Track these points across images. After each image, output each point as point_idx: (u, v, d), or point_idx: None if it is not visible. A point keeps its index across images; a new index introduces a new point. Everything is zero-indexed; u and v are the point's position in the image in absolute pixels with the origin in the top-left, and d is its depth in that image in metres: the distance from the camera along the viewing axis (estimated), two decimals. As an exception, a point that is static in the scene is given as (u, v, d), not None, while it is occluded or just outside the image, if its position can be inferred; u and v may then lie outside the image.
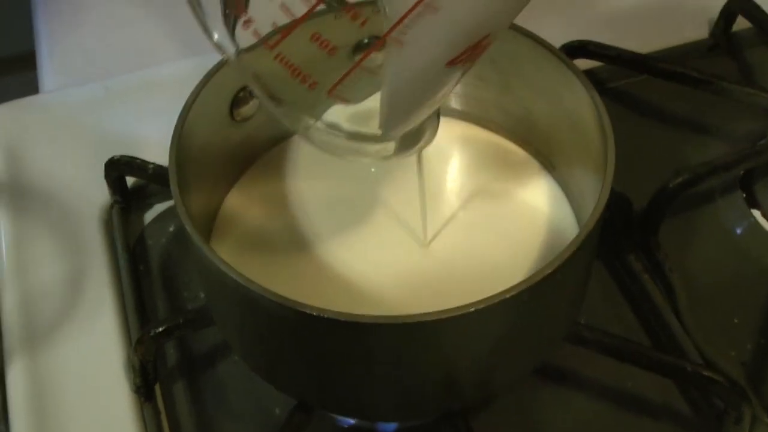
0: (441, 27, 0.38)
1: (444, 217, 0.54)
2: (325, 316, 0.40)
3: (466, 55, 0.40)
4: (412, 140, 0.46)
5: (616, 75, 0.66)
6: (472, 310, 0.40)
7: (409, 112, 0.43)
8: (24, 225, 0.60)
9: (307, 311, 0.40)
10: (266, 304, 0.41)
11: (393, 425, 0.51)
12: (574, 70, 0.49)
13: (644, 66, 0.64)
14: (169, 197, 0.60)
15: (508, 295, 0.40)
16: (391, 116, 0.43)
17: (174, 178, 0.45)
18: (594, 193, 0.46)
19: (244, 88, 0.52)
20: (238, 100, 0.52)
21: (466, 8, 0.37)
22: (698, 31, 0.70)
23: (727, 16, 0.68)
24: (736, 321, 0.56)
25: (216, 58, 0.51)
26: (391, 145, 0.45)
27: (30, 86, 0.74)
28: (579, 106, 0.49)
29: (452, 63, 0.40)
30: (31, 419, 0.52)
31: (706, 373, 0.49)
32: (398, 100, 0.42)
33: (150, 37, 0.72)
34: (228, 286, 0.43)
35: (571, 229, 0.52)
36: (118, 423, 0.51)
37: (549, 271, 0.41)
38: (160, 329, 0.51)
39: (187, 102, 0.49)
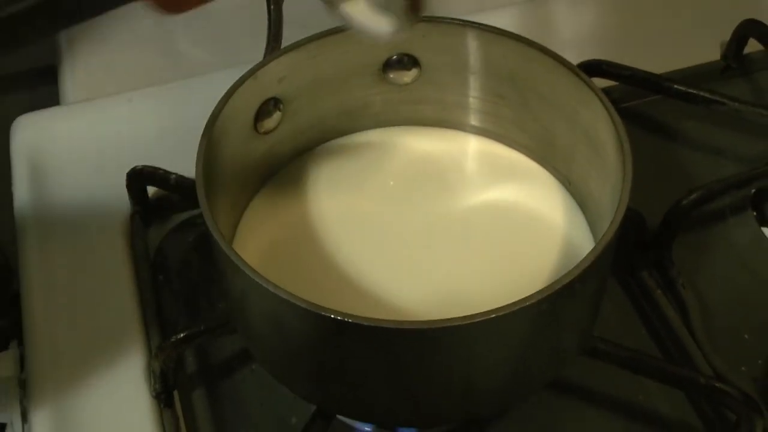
0: None
1: (462, 231, 0.55)
2: (348, 320, 0.41)
3: None
4: None
5: (630, 95, 0.67)
6: (493, 316, 0.41)
7: None
8: (46, 234, 0.61)
9: (331, 316, 0.41)
10: (291, 308, 0.42)
11: (411, 433, 0.52)
12: (593, 88, 0.50)
13: (658, 86, 0.65)
14: (188, 208, 0.62)
15: (528, 303, 0.41)
16: None
17: (201, 188, 0.46)
18: (610, 208, 0.47)
19: (267, 101, 0.53)
20: (261, 113, 0.54)
21: None
22: (710, 53, 0.71)
23: (738, 39, 0.69)
24: (747, 337, 0.57)
25: (239, 72, 0.52)
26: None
27: (51, 101, 0.75)
28: (597, 123, 0.50)
29: None
30: (52, 423, 0.52)
31: (718, 385, 0.50)
32: None
33: (172, 52, 0.73)
34: (253, 290, 0.44)
35: (586, 244, 0.53)
36: (137, 427, 0.52)
37: (569, 279, 0.42)
38: (181, 336, 0.52)
39: (213, 113, 0.50)
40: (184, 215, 0.62)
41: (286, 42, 0.55)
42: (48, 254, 0.60)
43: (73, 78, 0.72)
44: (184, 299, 0.59)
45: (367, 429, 0.53)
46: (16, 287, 0.59)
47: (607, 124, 0.49)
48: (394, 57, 0.56)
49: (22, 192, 0.63)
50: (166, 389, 0.53)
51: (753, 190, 0.62)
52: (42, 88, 0.79)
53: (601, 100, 0.49)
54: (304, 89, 0.55)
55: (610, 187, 0.49)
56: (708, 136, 0.67)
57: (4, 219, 0.63)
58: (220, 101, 0.50)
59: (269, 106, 0.54)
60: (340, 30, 0.53)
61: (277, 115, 0.54)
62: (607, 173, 0.50)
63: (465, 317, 0.41)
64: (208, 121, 0.49)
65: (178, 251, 0.61)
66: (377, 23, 0.45)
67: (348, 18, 0.46)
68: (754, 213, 0.62)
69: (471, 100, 0.57)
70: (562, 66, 0.51)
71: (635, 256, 0.58)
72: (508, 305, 0.41)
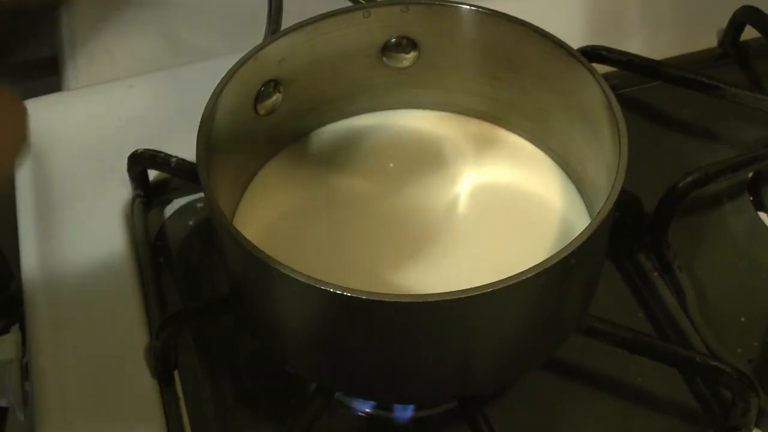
0: None
1: (460, 212, 0.55)
2: (347, 294, 0.41)
3: None
4: None
5: (629, 81, 0.67)
6: (489, 290, 0.41)
7: None
8: (48, 218, 0.61)
9: (330, 289, 0.41)
10: (289, 282, 0.42)
11: (409, 412, 0.52)
12: (589, 68, 0.51)
13: (656, 71, 0.66)
14: (189, 192, 0.62)
15: (524, 277, 0.41)
16: None
17: (202, 163, 0.47)
18: (606, 188, 0.47)
19: (267, 83, 0.54)
20: (261, 94, 0.54)
21: None
22: (707, 40, 0.71)
23: (735, 26, 0.70)
24: (743, 320, 0.57)
25: (238, 58, 0.52)
26: None
27: (53, 90, 0.75)
28: (593, 104, 0.51)
29: None
30: (53, 404, 0.53)
31: (714, 363, 0.50)
32: None
33: (172, 39, 0.73)
34: (252, 265, 0.44)
35: (583, 225, 0.53)
36: (139, 407, 0.53)
37: (564, 255, 0.42)
38: (181, 316, 0.52)
39: (214, 92, 0.50)
40: (185, 199, 0.63)
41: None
42: (49, 239, 0.60)
43: (74, 65, 0.72)
44: (185, 282, 0.59)
45: (365, 407, 0.53)
46: (14, 288, 0.60)
47: (603, 104, 0.49)
48: (393, 40, 0.56)
49: (24, 177, 0.63)
50: (166, 369, 0.54)
51: (750, 175, 0.63)
52: (46, 79, 0.80)
53: (597, 81, 0.50)
54: (304, 71, 0.55)
55: (606, 167, 0.50)
56: (706, 122, 0.67)
57: (4, 216, 0.64)
58: (220, 81, 0.51)
59: (269, 87, 0.54)
60: (339, 12, 0.54)
61: (276, 97, 0.55)
62: (603, 154, 0.50)
63: (462, 291, 0.41)
64: (209, 100, 0.50)
65: (179, 235, 0.61)
66: None
67: None
68: (751, 198, 0.63)
69: (469, 82, 0.57)
70: (558, 48, 0.52)
71: (632, 239, 0.59)
72: (504, 279, 0.41)
